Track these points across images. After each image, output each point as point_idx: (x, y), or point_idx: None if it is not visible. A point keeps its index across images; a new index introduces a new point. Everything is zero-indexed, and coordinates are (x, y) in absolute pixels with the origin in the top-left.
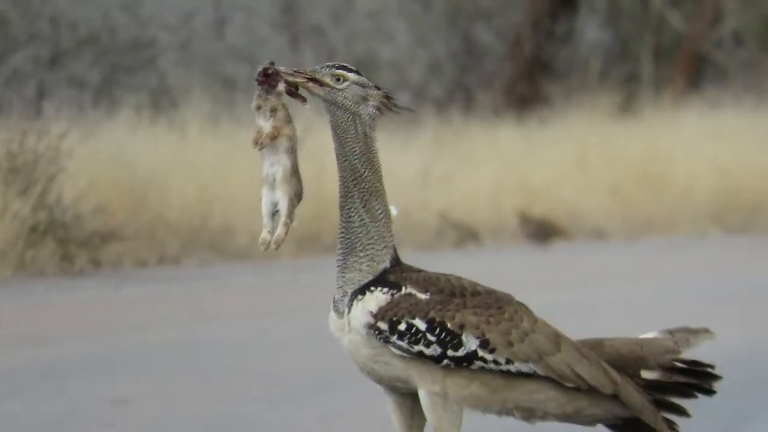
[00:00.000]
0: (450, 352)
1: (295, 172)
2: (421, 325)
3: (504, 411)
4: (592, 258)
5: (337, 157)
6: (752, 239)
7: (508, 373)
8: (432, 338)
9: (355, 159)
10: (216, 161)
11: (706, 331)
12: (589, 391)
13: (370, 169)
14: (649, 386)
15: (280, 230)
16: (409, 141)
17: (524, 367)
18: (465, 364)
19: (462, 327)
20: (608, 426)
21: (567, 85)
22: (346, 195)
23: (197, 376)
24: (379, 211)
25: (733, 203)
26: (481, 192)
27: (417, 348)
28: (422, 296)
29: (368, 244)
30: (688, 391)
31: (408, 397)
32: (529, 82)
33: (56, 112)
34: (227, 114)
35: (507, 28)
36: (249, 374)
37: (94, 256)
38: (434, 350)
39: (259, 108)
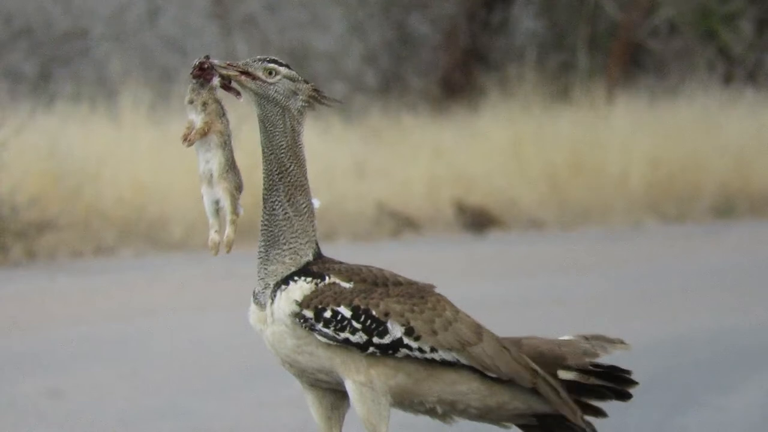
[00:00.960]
0: (375, 339)
1: (231, 166)
2: (346, 312)
3: (427, 404)
4: (528, 248)
5: (263, 151)
6: (687, 228)
7: (432, 363)
8: (357, 325)
9: (282, 153)
10: (151, 152)
11: (621, 342)
12: (510, 384)
13: (296, 163)
14: (565, 387)
15: (228, 230)
16: (345, 132)
17: (448, 356)
18: (390, 351)
19: (387, 315)
20: (522, 427)
21: (502, 75)
22: (270, 188)
23: (131, 368)
24: (304, 205)
25: (667, 192)
26: (418, 182)
27: (343, 335)
28: (346, 285)
29: (292, 238)
30: (605, 394)
31: (328, 393)
32: (465, 72)
33: None
34: (163, 104)
35: (442, 17)
36: (182, 366)
37: (29, 247)
38: (360, 337)
39: (191, 102)
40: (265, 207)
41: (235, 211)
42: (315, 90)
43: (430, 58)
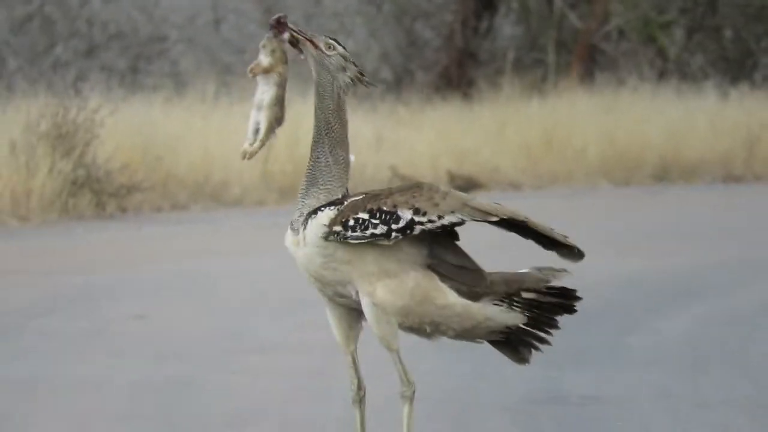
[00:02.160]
0: (394, 226)
1: (279, 102)
2: (364, 215)
3: (421, 324)
4: (507, 204)
5: (315, 110)
6: (632, 190)
7: (428, 288)
8: (376, 221)
9: (329, 113)
10: (215, 130)
11: (565, 270)
12: (485, 305)
13: (339, 122)
14: (527, 303)
15: (255, 145)
16: (368, 113)
17: (453, 218)
18: (408, 231)
19: (395, 206)
20: (492, 342)
21: (489, 70)
22: (317, 141)
23: (200, 298)
24: (341, 158)
25: (617, 162)
26: (422, 154)
27: (369, 232)
28: (358, 198)
29: (328, 181)
30: (557, 309)
31: (346, 313)
32: (460, 69)
33: (91, 91)
34: (225, 93)
35: (442, 25)
36: (239, 296)
37: (121, 204)
38: (381, 229)
39: (263, 46)
40: (311, 155)
41: (267, 135)
42: (360, 72)
43: (432, 57)
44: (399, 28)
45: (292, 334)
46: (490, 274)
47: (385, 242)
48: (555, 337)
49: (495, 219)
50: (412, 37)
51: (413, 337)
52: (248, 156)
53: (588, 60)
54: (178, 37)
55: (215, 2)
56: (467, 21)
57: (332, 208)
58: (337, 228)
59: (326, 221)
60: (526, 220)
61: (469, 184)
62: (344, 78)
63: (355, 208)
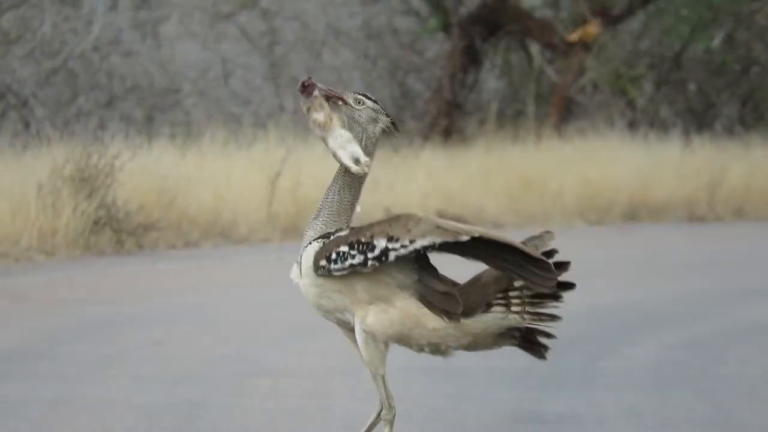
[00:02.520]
0: (369, 255)
1: (353, 139)
2: (344, 248)
3: (419, 346)
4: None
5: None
6: (605, 229)
7: (418, 315)
8: (354, 253)
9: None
10: (224, 174)
11: (548, 232)
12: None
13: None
14: (521, 294)
15: (367, 159)
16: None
17: (425, 241)
18: (384, 258)
19: (372, 237)
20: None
21: (474, 120)
22: (334, 180)
23: (211, 326)
24: (347, 200)
25: (591, 203)
26: (413, 195)
27: (348, 263)
28: (344, 233)
29: (328, 216)
30: (555, 295)
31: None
32: (448, 118)
33: (111, 139)
34: (233, 140)
35: (432, 79)
36: (247, 325)
37: (138, 242)
38: (358, 259)
39: (308, 109)
40: (325, 192)
41: (366, 151)
42: (392, 122)
43: (422, 108)
44: (392, 81)
45: (296, 359)
46: (482, 274)
47: (365, 270)
48: (534, 362)
49: (465, 238)
50: (404, 90)
51: (403, 360)
52: (366, 168)
53: (564, 110)
54: (190, 90)
55: (224, 58)
56: (455, 75)
57: (320, 241)
58: (323, 262)
59: (311, 256)
60: (497, 238)
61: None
62: (375, 129)
63: (338, 242)
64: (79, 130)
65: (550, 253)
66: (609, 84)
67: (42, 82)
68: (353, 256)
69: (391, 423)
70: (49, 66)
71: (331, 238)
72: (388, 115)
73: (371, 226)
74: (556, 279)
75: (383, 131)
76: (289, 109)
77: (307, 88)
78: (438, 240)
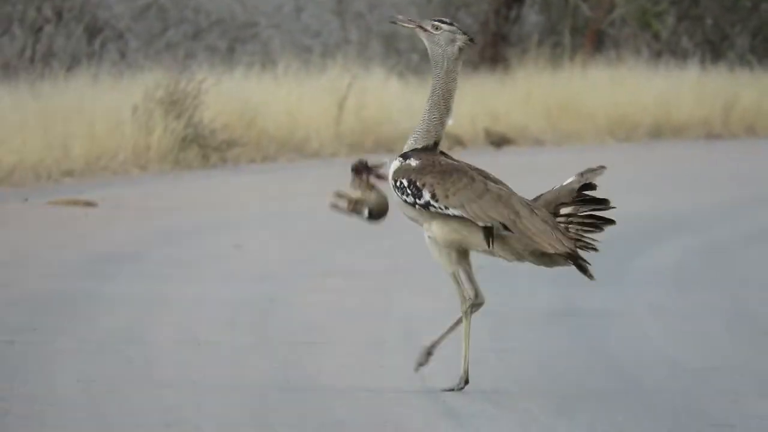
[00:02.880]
0: (418, 201)
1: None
2: (405, 182)
3: (475, 250)
4: (532, 157)
5: (432, 76)
6: (632, 146)
7: (465, 224)
8: (409, 191)
9: (437, 80)
10: (297, 97)
11: (601, 167)
12: (521, 238)
13: (443, 89)
14: (567, 217)
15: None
16: (421, 84)
17: (455, 211)
18: (427, 208)
19: (423, 185)
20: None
21: (518, 50)
22: (427, 99)
23: (285, 230)
24: (435, 116)
25: (620, 123)
26: (465, 115)
27: (403, 197)
28: (414, 164)
29: (420, 130)
30: (595, 223)
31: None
32: (494, 48)
33: (197, 67)
34: (304, 69)
35: (480, 13)
36: (316, 229)
37: (222, 156)
38: (410, 200)
39: (352, 186)
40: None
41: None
42: (469, 38)
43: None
44: (445, 15)
45: (361, 260)
46: (540, 196)
47: (417, 214)
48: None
49: (483, 224)
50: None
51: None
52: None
53: (596, 42)
54: (266, 24)
55: None
56: (500, 10)
57: (400, 160)
58: (393, 182)
59: (392, 171)
60: (520, 229)
61: (502, 140)
62: (453, 48)
63: (406, 172)
64: (168, 59)
65: (591, 186)
66: (636, 19)
67: (136, 16)
68: (408, 194)
69: (467, 313)
70: (142, 2)
71: (407, 161)
72: (465, 33)
73: (432, 170)
74: (570, 259)
75: (460, 49)
76: (354, 40)
77: (357, 172)
78: (465, 215)
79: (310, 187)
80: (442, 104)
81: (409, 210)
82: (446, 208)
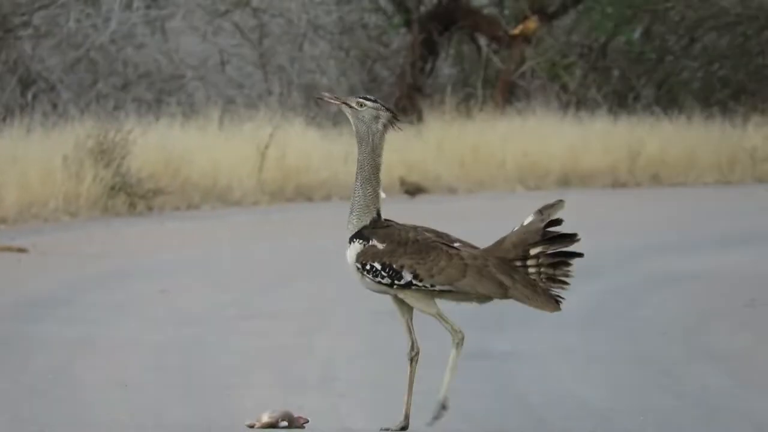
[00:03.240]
0: (396, 282)
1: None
2: (377, 265)
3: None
4: (446, 205)
5: (358, 153)
6: (541, 194)
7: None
8: (384, 274)
9: (363, 156)
10: (221, 146)
11: (560, 201)
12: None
13: (370, 164)
14: (538, 258)
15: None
16: (337, 136)
17: (443, 287)
18: (408, 287)
19: (402, 267)
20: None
21: (432, 101)
22: (355, 177)
23: (210, 274)
24: (369, 190)
25: (530, 171)
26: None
27: (377, 279)
28: (380, 246)
29: (359, 209)
30: (564, 261)
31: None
32: (409, 100)
33: (125, 117)
34: (228, 118)
35: (396, 66)
36: (242, 273)
37: (149, 204)
38: (387, 281)
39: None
40: (352, 191)
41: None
42: (394, 116)
43: (388, 91)
44: (363, 69)
45: (284, 303)
46: (504, 238)
47: (391, 291)
48: (480, 306)
49: (477, 293)
50: (372, 76)
51: (373, 305)
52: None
53: (507, 93)
54: (192, 76)
55: (221, 49)
56: (415, 64)
57: (360, 242)
58: (359, 266)
59: (353, 254)
60: (507, 295)
61: (416, 189)
62: (377, 126)
63: (374, 255)
64: (98, 110)
65: (556, 222)
66: (545, 71)
67: (67, 69)
68: (383, 276)
69: (459, 344)
70: (73, 56)
71: (369, 243)
72: (388, 110)
73: (404, 251)
74: (558, 308)
75: (385, 126)
76: (276, 92)
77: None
78: (453, 289)
79: (232, 234)
80: (373, 179)
81: (379, 287)
82: (433, 286)
